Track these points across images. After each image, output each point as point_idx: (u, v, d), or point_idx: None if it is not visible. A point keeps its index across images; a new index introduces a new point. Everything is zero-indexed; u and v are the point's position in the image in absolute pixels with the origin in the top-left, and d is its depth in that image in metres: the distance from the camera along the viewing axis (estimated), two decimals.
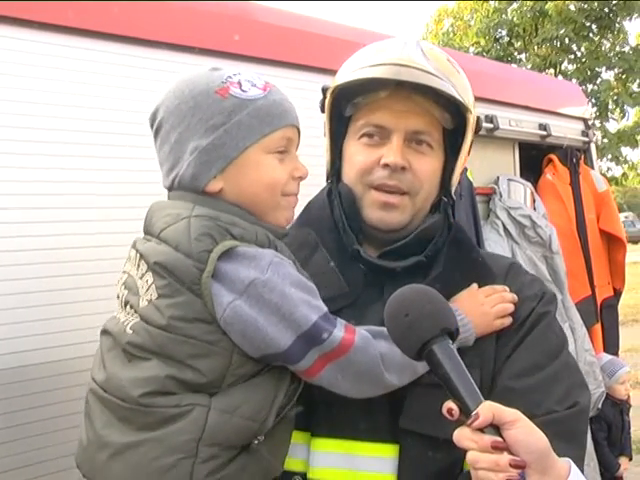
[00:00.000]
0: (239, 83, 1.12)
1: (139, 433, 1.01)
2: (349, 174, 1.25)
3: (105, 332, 1.13)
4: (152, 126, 1.17)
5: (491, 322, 1.18)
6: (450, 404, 0.94)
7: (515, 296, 1.22)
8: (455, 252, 1.26)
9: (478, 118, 1.30)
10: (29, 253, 1.72)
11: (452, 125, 1.25)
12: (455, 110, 1.22)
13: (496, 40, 17.50)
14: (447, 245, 1.26)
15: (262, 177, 1.11)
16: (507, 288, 1.23)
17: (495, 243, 3.31)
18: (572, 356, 1.25)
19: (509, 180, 3.54)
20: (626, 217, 31.70)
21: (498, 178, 3.52)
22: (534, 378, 1.14)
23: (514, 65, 15.39)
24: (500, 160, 3.61)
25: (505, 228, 3.37)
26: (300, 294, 1.05)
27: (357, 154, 1.23)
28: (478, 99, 3.32)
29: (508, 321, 1.20)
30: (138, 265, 1.09)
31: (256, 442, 1.04)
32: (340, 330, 1.06)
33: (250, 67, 2.15)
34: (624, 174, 17.71)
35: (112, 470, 1.02)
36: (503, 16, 17.23)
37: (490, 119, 3.34)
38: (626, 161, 16.78)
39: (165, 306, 1.02)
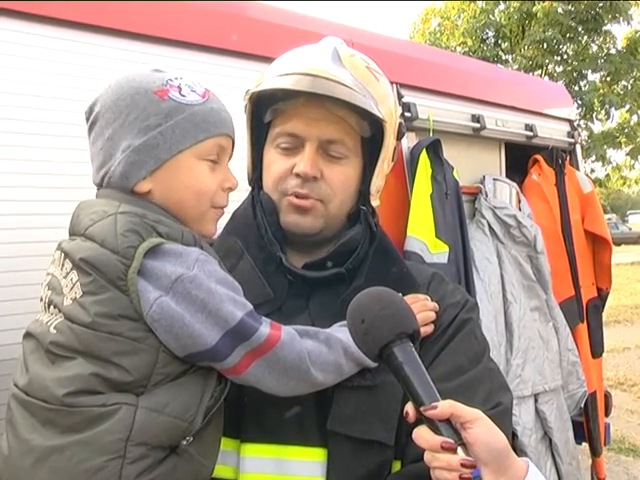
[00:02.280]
0: (179, 87, 1.12)
1: (64, 436, 0.98)
2: (267, 181, 1.26)
3: (28, 335, 1.10)
4: (87, 119, 1.15)
5: None
6: (408, 407, 0.96)
7: (436, 304, 1.24)
8: (378, 262, 1.27)
9: (400, 124, 1.31)
10: None
11: (370, 133, 1.24)
12: (373, 118, 1.21)
13: (483, 41, 17.54)
14: (371, 255, 1.27)
15: (192, 183, 1.11)
16: (429, 297, 1.25)
17: (480, 242, 3.32)
18: (494, 361, 1.28)
19: (495, 180, 3.54)
20: (609, 219, 32.00)
21: (484, 177, 3.52)
22: (457, 381, 1.15)
23: (500, 66, 15.43)
24: (486, 160, 3.62)
25: (490, 227, 3.37)
26: (226, 291, 1.05)
27: (273, 162, 1.24)
28: (465, 98, 3.36)
29: (430, 329, 1.21)
30: (62, 264, 1.07)
31: (185, 443, 1.02)
32: (266, 327, 1.06)
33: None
34: (607, 176, 17.83)
35: (37, 476, 0.98)
36: (490, 17, 17.28)
37: (477, 119, 3.35)
38: (610, 162, 16.90)
39: (90, 303, 1.00)
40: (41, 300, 1.12)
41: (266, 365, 1.05)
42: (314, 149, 1.20)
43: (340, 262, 1.24)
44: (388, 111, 1.24)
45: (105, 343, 0.99)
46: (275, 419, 1.15)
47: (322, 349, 1.09)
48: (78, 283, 1.02)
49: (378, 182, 1.27)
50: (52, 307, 1.07)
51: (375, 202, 1.29)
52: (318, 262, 1.24)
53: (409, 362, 0.97)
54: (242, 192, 1.29)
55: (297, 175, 1.19)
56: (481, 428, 0.92)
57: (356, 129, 1.22)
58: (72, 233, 1.10)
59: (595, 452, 3.87)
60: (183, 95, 1.11)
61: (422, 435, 0.94)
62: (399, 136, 1.30)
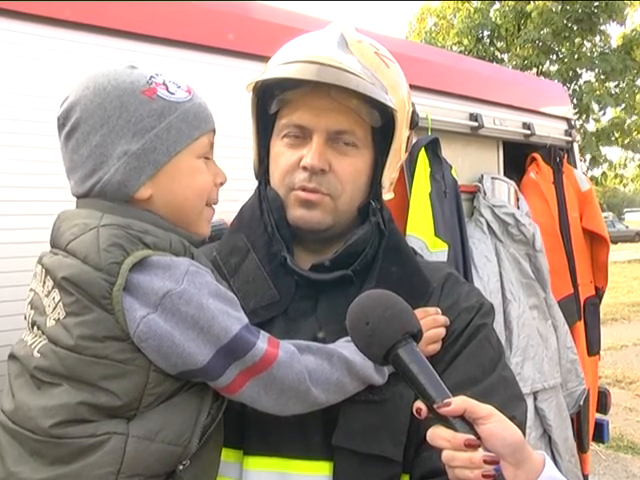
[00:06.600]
0: (165, 84, 1.07)
1: (53, 468, 0.93)
2: (274, 175, 1.20)
3: (12, 357, 1.05)
4: (63, 125, 1.07)
5: (423, 348, 1.11)
6: (419, 404, 0.95)
7: (447, 319, 1.18)
8: (390, 262, 1.21)
9: (413, 112, 1.25)
10: None
11: (381, 122, 1.18)
12: (383, 107, 1.14)
13: (478, 40, 17.56)
14: (382, 254, 1.21)
15: (193, 183, 1.07)
16: (439, 310, 1.19)
17: (479, 241, 3.33)
18: (509, 369, 1.22)
19: (493, 178, 3.55)
20: (606, 217, 32.04)
21: (482, 176, 3.53)
22: (469, 392, 1.05)
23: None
24: (484, 158, 3.63)
25: (489, 226, 3.38)
26: (219, 304, 0.99)
27: (280, 155, 1.18)
28: (463, 97, 3.36)
29: (438, 346, 1.16)
30: (44, 282, 1.02)
31: (181, 467, 0.98)
32: (263, 342, 1.00)
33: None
34: (603, 174, 17.87)
35: None
36: (485, 16, 17.31)
37: (475, 117, 3.36)
38: (606, 160, 16.95)
39: (73, 325, 0.95)
40: (25, 318, 1.07)
41: (262, 385, 1.00)
42: (322, 141, 1.14)
43: (348, 264, 1.18)
44: (400, 99, 1.18)
45: (90, 367, 0.94)
46: (279, 432, 1.10)
47: (324, 367, 1.03)
48: (61, 303, 0.97)
49: (390, 174, 1.22)
50: (36, 328, 1.02)
51: (388, 195, 1.24)
52: (325, 264, 1.18)
53: (416, 361, 0.95)
54: (242, 192, 1.26)
55: (304, 168, 1.14)
56: (495, 424, 0.91)
57: (366, 119, 1.16)
58: (53, 245, 1.05)
59: (582, 448, 3.87)
60: (171, 93, 1.06)
61: (441, 434, 0.92)
62: (412, 125, 1.24)
